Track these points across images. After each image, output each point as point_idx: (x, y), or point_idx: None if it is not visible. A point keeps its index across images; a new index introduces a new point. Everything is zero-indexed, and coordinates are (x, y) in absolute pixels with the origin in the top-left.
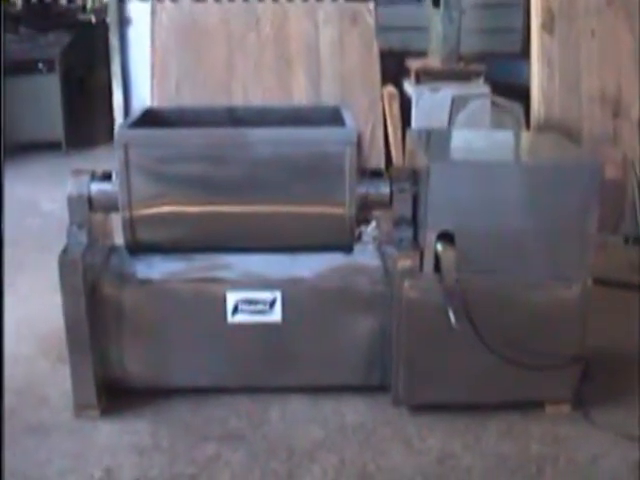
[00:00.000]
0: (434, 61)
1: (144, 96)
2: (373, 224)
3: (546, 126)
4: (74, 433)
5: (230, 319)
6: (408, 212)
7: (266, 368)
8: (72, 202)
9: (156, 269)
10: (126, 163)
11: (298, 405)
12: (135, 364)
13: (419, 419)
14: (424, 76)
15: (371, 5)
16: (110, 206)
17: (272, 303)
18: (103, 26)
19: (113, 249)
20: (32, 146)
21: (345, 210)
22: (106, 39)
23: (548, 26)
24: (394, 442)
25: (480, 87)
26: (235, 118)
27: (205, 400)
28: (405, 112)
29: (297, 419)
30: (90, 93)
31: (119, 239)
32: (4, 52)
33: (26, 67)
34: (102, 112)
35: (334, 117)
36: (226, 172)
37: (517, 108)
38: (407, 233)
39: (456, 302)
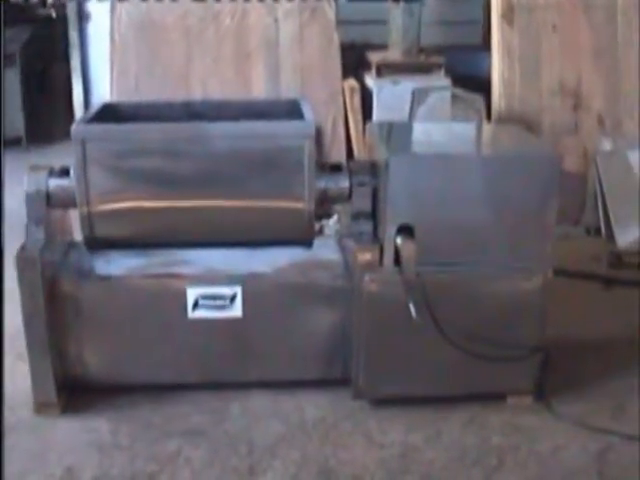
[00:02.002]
0: (395, 54)
1: (104, 91)
2: (335, 218)
3: (507, 118)
4: (34, 431)
5: (190, 314)
6: (367, 206)
7: (227, 363)
8: (30, 198)
9: (115, 265)
10: (83, 158)
11: (259, 400)
12: (95, 361)
13: (380, 413)
14: (385, 69)
15: None
16: (68, 202)
17: (232, 298)
18: (63, 21)
19: (72, 245)
20: None
21: (304, 204)
22: (66, 34)
23: (508, 17)
24: (355, 436)
25: (441, 79)
26: (193, 112)
27: (166, 396)
28: (366, 105)
29: (258, 414)
30: (50, 88)
31: (78, 235)
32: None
33: None
34: (62, 107)
35: (293, 110)
36: (184, 167)
37: (478, 100)
38: (367, 227)
39: (416, 295)
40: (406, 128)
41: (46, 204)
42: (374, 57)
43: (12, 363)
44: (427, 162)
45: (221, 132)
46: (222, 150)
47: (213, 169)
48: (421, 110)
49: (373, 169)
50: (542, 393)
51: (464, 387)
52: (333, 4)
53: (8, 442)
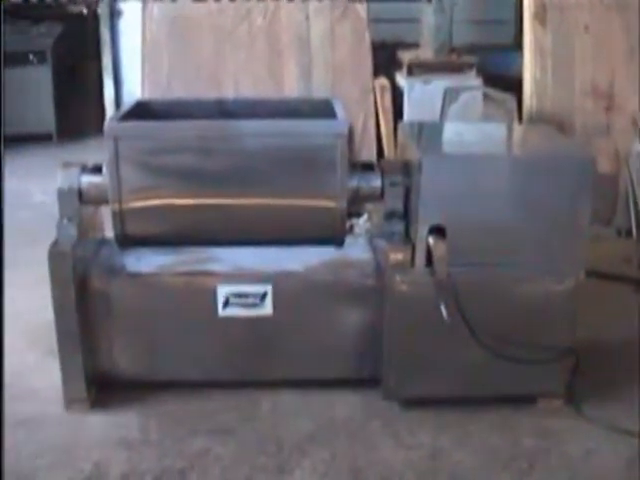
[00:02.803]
0: (426, 53)
1: (135, 88)
2: (365, 217)
3: (538, 118)
4: (63, 426)
5: (221, 312)
6: (399, 205)
7: (256, 362)
8: (62, 195)
9: (146, 262)
10: (116, 156)
11: (288, 399)
12: (125, 357)
13: (410, 413)
14: (416, 68)
15: None
16: (100, 199)
17: (263, 296)
18: (94, 18)
19: (103, 242)
20: (23, 138)
21: (336, 203)
22: (97, 31)
23: (540, 18)
24: (384, 436)
25: (472, 79)
26: (225, 110)
27: (195, 394)
28: (397, 104)
29: (287, 413)
30: (81, 84)
31: (109, 232)
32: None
33: (17, 59)
34: (93, 103)
35: (325, 109)
36: (216, 165)
37: (509, 100)
38: (398, 226)
39: (448, 296)
40: (437, 128)
41: (78, 201)
42: (405, 56)
43: (42, 358)
44: (459, 162)
45: (254, 130)
46: (254, 148)
47: (245, 167)
48: (452, 110)
49: (405, 169)
50: (573, 396)
51: (494, 389)
52: (364, 2)
53: (37, 436)
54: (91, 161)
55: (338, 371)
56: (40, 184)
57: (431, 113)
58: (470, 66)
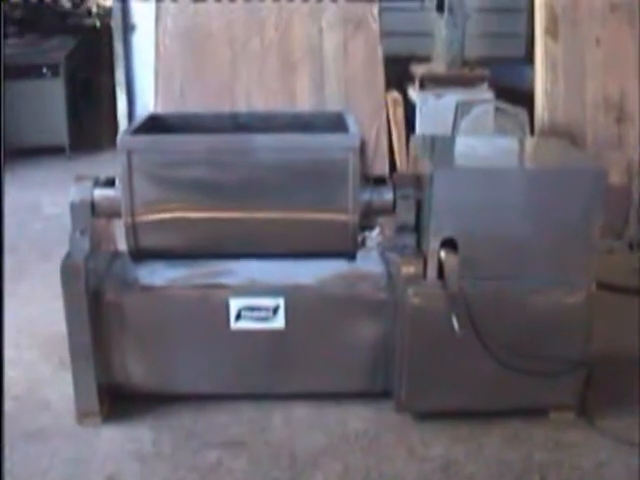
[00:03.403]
0: (438, 66)
1: (148, 102)
2: (377, 230)
3: (550, 131)
4: (76, 439)
5: (233, 325)
6: (411, 218)
7: (269, 375)
8: (75, 208)
9: (159, 275)
10: (129, 169)
11: (301, 412)
12: (137, 370)
13: (422, 426)
14: (428, 82)
15: (375, 10)
16: (113, 212)
17: (275, 310)
18: (107, 31)
19: (116, 255)
20: (36, 151)
21: (348, 217)
22: (110, 44)
23: (552, 31)
24: (397, 449)
25: (484, 92)
26: (238, 124)
27: (207, 406)
28: (409, 118)
29: (300, 426)
30: (94, 98)
31: (122, 245)
32: (4, 52)
33: (30, 72)
34: (106, 117)
35: (337, 123)
36: (229, 178)
37: (521, 113)
38: (410, 240)
39: (459, 308)
40: (449, 141)
41: (91, 214)
42: (418, 69)
43: (55, 371)
44: (471, 176)
45: (267, 144)
46: (267, 162)
47: (258, 181)
48: (464, 123)
49: (417, 182)
50: (585, 408)
51: (506, 401)
52: (377, 16)
53: (49, 449)
54: (104, 174)
55: (351, 384)
56: (53, 197)
57: (443, 126)
58: (482, 79)
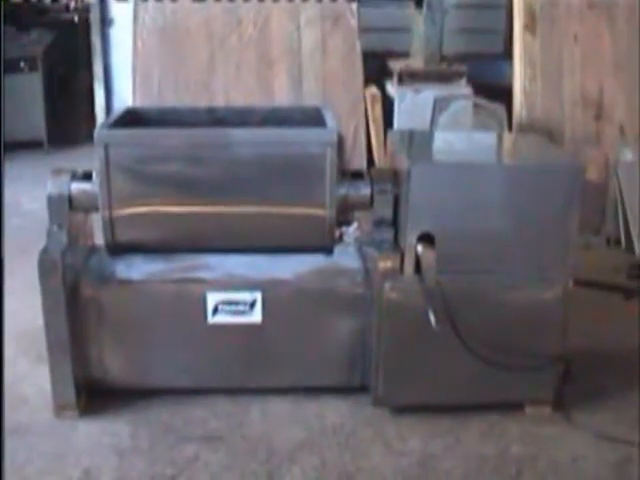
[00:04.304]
0: (416, 62)
1: (126, 96)
2: (354, 225)
3: (528, 127)
4: (53, 433)
5: (210, 320)
6: (389, 213)
7: (246, 369)
8: (52, 202)
9: (136, 269)
10: (106, 163)
11: (278, 406)
12: (115, 364)
13: (399, 420)
14: (406, 77)
15: (354, 6)
16: (90, 206)
17: (252, 304)
18: (86, 26)
19: (93, 249)
20: (14, 145)
21: (325, 211)
22: (88, 39)
23: (530, 27)
24: (374, 443)
25: (462, 88)
26: (216, 118)
27: (185, 401)
28: (387, 113)
29: (277, 420)
30: (72, 92)
31: (99, 239)
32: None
33: (8, 66)
34: (84, 111)
35: (315, 118)
36: (206, 172)
37: (499, 109)
38: (388, 234)
39: (436, 303)
40: (427, 136)
41: (68, 207)
42: (396, 65)
43: (32, 365)
44: (448, 171)
45: (244, 138)
46: (244, 156)
47: (235, 175)
48: (442, 119)
49: (395, 177)
50: (561, 403)
51: (483, 396)
52: (355, 12)
53: (27, 443)
54: (82, 168)
55: (328, 378)
56: (30, 192)
57: (421, 122)
58: (460, 75)
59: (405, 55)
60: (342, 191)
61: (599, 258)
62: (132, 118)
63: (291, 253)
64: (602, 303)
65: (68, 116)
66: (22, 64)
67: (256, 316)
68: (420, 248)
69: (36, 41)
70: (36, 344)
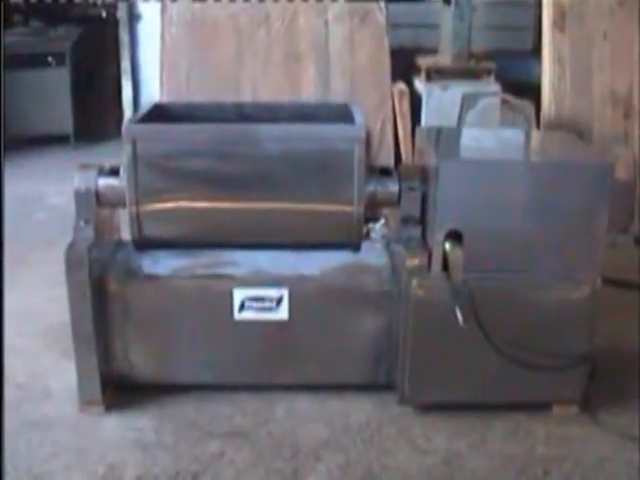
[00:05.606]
0: (445, 59)
1: (153, 91)
2: (382, 222)
3: (557, 125)
4: (78, 428)
5: (237, 316)
6: (416, 211)
7: (272, 366)
8: (79, 197)
9: (162, 265)
10: (134, 158)
11: (304, 403)
12: (140, 360)
13: (425, 418)
14: (434, 74)
15: (382, 3)
16: (117, 201)
17: (279, 300)
18: (113, 21)
19: (119, 244)
20: (41, 140)
21: (353, 208)
22: (116, 34)
23: (559, 24)
24: (399, 442)
25: (491, 85)
26: (243, 114)
27: (210, 397)
28: (415, 110)
29: (302, 417)
30: (100, 87)
31: (126, 234)
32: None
33: (36, 61)
34: (111, 106)
35: (343, 114)
36: (234, 168)
37: (528, 106)
38: (415, 232)
39: (464, 301)
40: (455, 133)
41: (95, 203)
42: (424, 62)
43: (58, 360)
44: (477, 168)
45: (272, 134)
46: (272, 152)
47: (263, 171)
48: (470, 115)
49: (422, 174)
50: (588, 403)
51: (510, 395)
52: (384, 8)
53: (52, 437)
54: (109, 164)
55: (353, 376)
56: (57, 186)
57: (449, 119)
58: (488, 72)
59: (433, 51)
60: (370, 188)
61: (627, 257)
62: (160, 113)
63: (318, 250)
64: (630, 302)
65: (95, 111)
66: (50, 59)
67: (283, 313)
68: (448, 245)
69: (64, 36)
70: (62, 339)
